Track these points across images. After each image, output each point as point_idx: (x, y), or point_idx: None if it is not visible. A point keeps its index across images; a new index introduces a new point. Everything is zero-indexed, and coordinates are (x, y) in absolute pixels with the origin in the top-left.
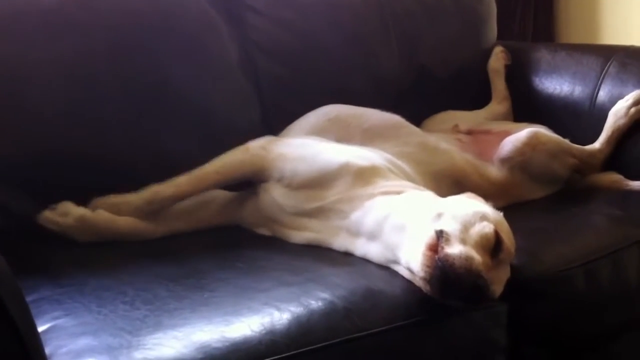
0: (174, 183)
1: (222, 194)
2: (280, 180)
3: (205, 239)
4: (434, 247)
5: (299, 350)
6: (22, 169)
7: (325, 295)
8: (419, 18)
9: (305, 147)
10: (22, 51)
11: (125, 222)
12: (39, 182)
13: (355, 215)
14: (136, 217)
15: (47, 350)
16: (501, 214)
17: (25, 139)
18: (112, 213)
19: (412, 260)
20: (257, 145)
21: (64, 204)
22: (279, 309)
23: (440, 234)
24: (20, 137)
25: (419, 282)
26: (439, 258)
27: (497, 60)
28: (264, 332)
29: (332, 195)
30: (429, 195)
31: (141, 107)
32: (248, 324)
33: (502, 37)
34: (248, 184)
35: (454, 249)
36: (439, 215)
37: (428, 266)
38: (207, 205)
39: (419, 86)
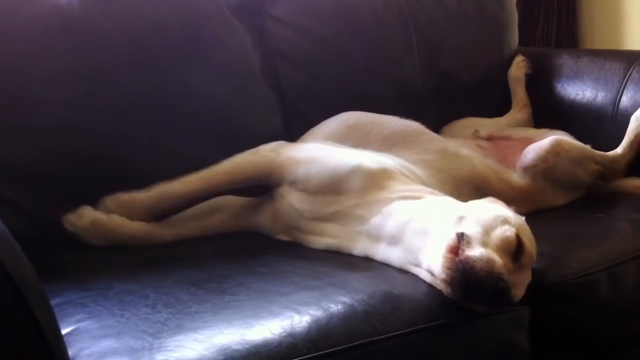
0: (183, 181)
1: (234, 200)
2: (293, 183)
3: (227, 245)
4: (455, 250)
5: (319, 353)
6: (51, 178)
7: (345, 299)
8: (440, 24)
9: (317, 150)
10: (47, 63)
11: (137, 227)
12: (66, 191)
13: (375, 220)
14: (145, 215)
15: (71, 352)
16: (523, 218)
17: (54, 150)
18: (122, 211)
19: (433, 263)
20: (268, 148)
21: (82, 208)
22: (299, 312)
23: (461, 237)
24: (50, 148)
25: (440, 285)
26: (459, 260)
27: (518, 69)
28: (284, 334)
29: (347, 199)
30: (449, 200)
31: (164, 115)
32: (268, 326)
33: (525, 42)
34: (262, 190)
35: (475, 252)
36: (461, 219)
37: (449, 268)
38: (220, 210)
39: (440, 92)
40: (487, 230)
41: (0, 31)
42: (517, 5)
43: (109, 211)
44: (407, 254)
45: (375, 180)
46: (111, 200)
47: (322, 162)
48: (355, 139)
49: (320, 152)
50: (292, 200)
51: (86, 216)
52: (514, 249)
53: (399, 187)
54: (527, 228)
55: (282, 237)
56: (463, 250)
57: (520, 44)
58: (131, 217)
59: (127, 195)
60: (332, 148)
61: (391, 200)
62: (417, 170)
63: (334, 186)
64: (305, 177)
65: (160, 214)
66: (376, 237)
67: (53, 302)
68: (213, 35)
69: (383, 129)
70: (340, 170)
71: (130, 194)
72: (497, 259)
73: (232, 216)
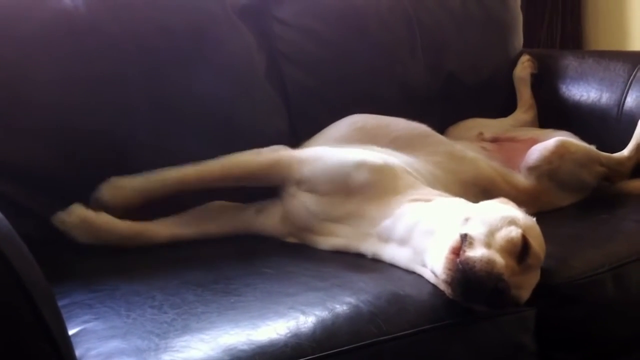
0: (178, 169)
1: (231, 204)
2: (300, 183)
3: (233, 246)
4: (457, 251)
5: (324, 353)
6: (58, 181)
7: (351, 299)
8: (445, 26)
9: (320, 149)
10: (53, 67)
11: (126, 226)
12: (74, 194)
13: (386, 223)
14: (137, 199)
15: (78, 353)
16: (533, 219)
17: (61, 153)
18: (115, 193)
19: (435, 264)
20: (268, 149)
21: (74, 205)
22: (304, 313)
23: (464, 238)
24: (57, 151)
25: (442, 286)
26: (460, 261)
27: (523, 68)
28: (289, 335)
29: (358, 200)
30: (459, 201)
31: (169, 117)
32: (274, 327)
33: (529, 44)
34: (265, 193)
35: (476, 252)
36: (467, 220)
37: (450, 269)
38: (217, 214)
39: (445, 93)
40: (491, 231)
41: (7, 35)
42: (522, 6)
43: (103, 196)
44: (415, 254)
45: (381, 176)
46: (106, 184)
47: (326, 159)
48: (363, 141)
49: (323, 150)
50: (305, 201)
51: (75, 213)
52: (519, 250)
53: (411, 191)
54: (536, 229)
55: (291, 239)
56: (464, 251)
57: (524, 45)
58: (123, 200)
59: (119, 178)
60: (335, 148)
61: (403, 203)
62: (424, 172)
63: (340, 184)
64: (312, 175)
65: (151, 198)
66: (386, 239)
67: (60, 304)
68: (218, 37)
69: (390, 131)
70: (344, 165)
71: (122, 177)
72: (499, 260)
73: (230, 220)
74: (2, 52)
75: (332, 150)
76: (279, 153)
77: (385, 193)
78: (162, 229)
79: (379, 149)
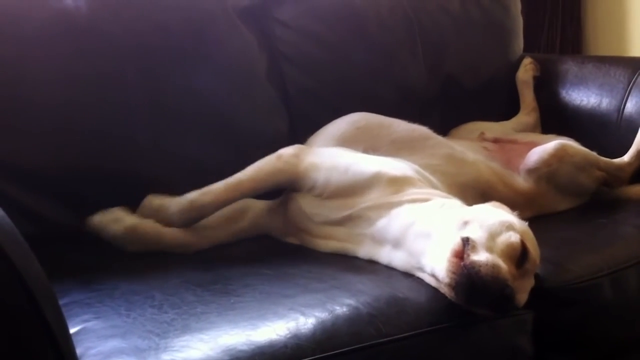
0: (211, 190)
1: (257, 203)
2: (311, 189)
3: (234, 247)
4: (460, 254)
5: (324, 355)
6: (58, 180)
7: (350, 301)
8: (445, 29)
9: (337, 156)
10: (53, 67)
11: (171, 234)
12: (74, 193)
13: (381, 223)
14: (171, 225)
15: (78, 351)
16: (526, 223)
17: (61, 152)
18: (153, 215)
19: (437, 267)
20: (289, 154)
21: (115, 211)
22: (304, 314)
23: (466, 241)
24: (57, 151)
25: (444, 289)
26: (465, 265)
27: (526, 71)
28: (289, 336)
29: (360, 203)
30: (456, 203)
31: (169, 118)
32: (274, 328)
33: (529, 48)
34: (277, 192)
35: (481, 257)
36: (465, 223)
37: (454, 273)
38: (245, 214)
39: (445, 96)
40: (492, 236)
41: (7, 34)
42: (522, 11)
43: (144, 215)
44: (410, 257)
45: (394, 186)
46: (148, 201)
47: (342, 169)
48: (364, 142)
49: (341, 158)
50: (303, 204)
51: (123, 221)
52: (519, 255)
53: (410, 190)
54: (530, 234)
55: (291, 239)
56: (468, 255)
57: (525, 49)
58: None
59: (159, 200)
60: (352, 154)
61: (401, 202)
62: (429, 176)
63: (351, 192)
64: (325, 184)
65: (185, 223)
66: (381, 240)
67: (61, 302)
68: (219, 38)
69: (391, 132)
70: (360, 177)
71: (162, 201)
72: (503, 265)
73: (253, 220)
74: (2, 51)
75: (347, 159)
76: (298, 159)
77: (388, 196)
78: (201, 235)
79: (383, 154)
